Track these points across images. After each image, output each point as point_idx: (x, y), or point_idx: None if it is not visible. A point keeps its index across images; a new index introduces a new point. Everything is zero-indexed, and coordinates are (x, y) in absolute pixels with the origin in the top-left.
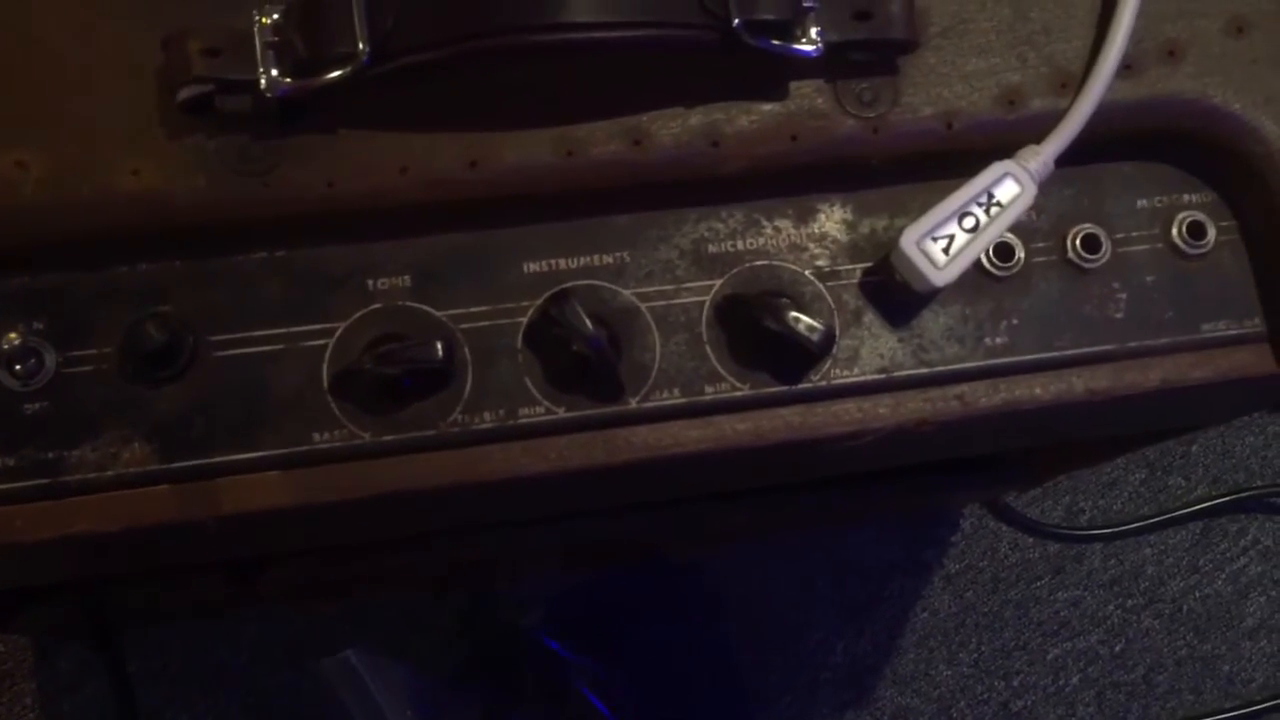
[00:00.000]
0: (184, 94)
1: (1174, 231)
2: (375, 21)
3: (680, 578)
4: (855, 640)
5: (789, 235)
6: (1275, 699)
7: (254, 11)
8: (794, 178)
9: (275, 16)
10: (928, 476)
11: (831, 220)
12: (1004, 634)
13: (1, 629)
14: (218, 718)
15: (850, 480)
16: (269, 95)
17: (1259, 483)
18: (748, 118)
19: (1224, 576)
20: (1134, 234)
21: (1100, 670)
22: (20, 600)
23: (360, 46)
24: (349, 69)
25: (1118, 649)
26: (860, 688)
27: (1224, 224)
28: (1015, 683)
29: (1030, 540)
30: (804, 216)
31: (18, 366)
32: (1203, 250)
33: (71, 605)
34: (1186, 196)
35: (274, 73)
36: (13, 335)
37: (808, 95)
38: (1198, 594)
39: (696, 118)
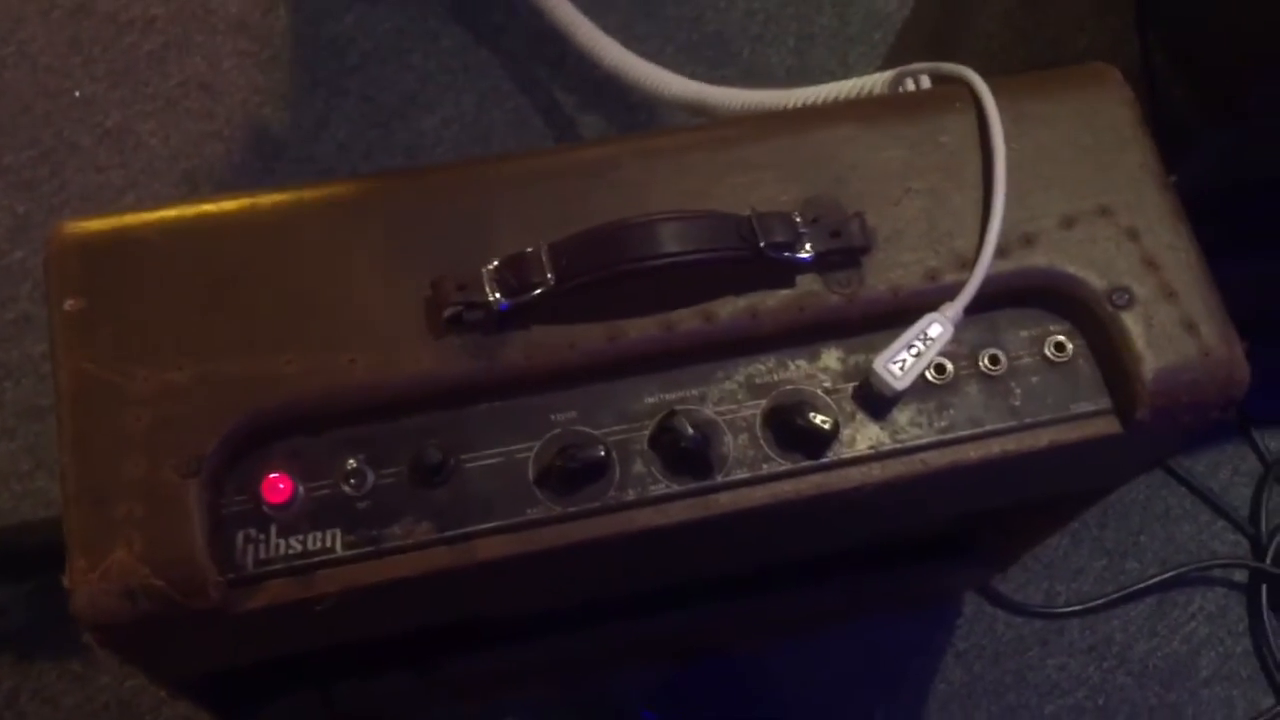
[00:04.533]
0: (447, 313)
1: (1046, 349)
2: (556, 263)
3: (746, 668)
4: (889, 708)
5: (805, 369)
6: None
7: (482, 264)
8: (804, 334)
9: (496, 263)
10: (924, 562)
11: (830, 358)
12: (1007, 696)
13: None
14: None
15: (862, 567)
16: (495, 309)
17: (1198, 561)
18: (773, 299)
19: (1179, 638)
20: (1021, 352)
21: None
22: (264, 695)
23: (548, 277)
24: (542, 290)
25: (1100, 702)
26: None
27: (1078, 342)
28: None
29: (1020, 619)
30: (813, 357)
31: (352, 480)
32: (1065, 359)
33: (311, 696)
34: (1052, 327)
35: (497, 295)
36: (351, 462)
37: (807, 284)
38: (1159, 654)
39: (743, 301)
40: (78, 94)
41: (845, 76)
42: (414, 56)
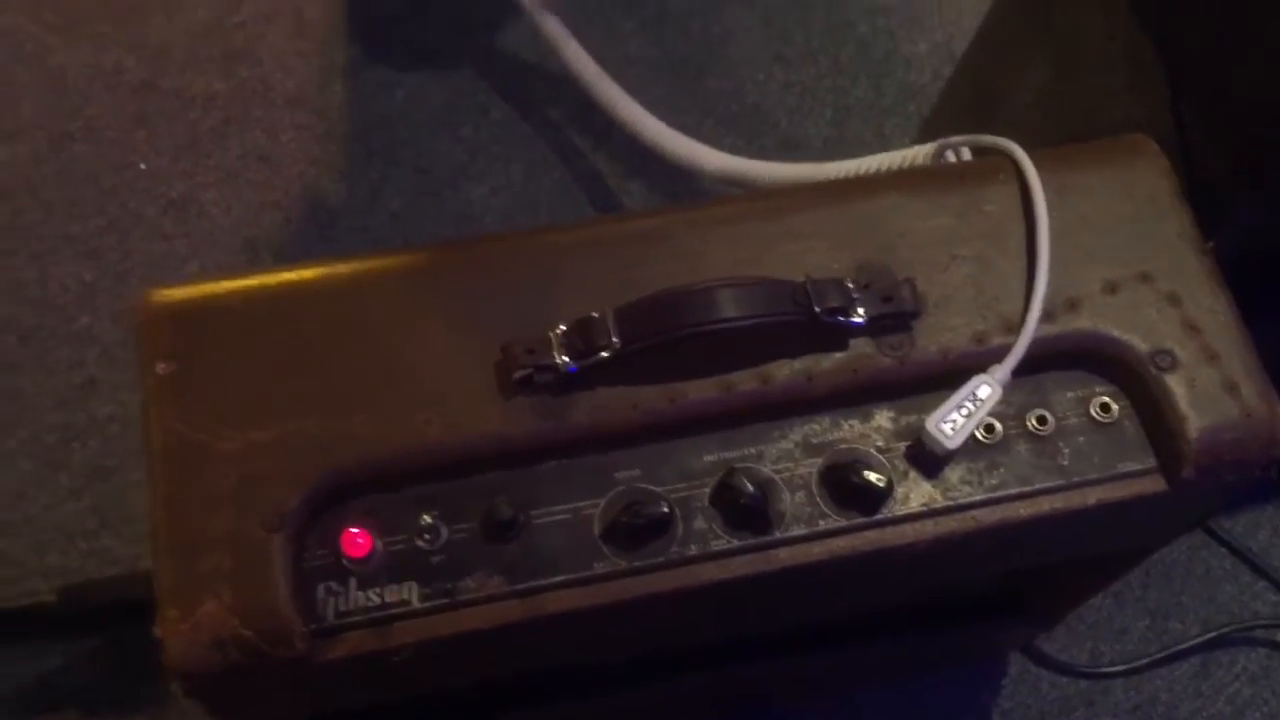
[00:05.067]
0: (517, 375)
1: (1092, 410)
2: (621, 327)
3: None
4: None
5: (859, 429)
6: None
7: (548, 329)
8: (858, 395)
9: (564, 328)
10: (970, 620)
11: (883, 418)
12: None
13: None
14: None
15: (909, 624)
16: (563, 372)
17: (1240, 621)
18: (827, 361)
19: (1223, 698)
20: (1068, 413)
21: None
22: None
23: (614, 340)
24: (608, 353)
25: None
26: None
27: (1122, 403)
28: None
29: (1065, 679)
30: (866, 417)
31: (426, 536)
32: (1111, 420)
33: None
34: (1097, 388)
35: (565, 359)
36: (425, 518)
37: (860, 346)
38: (1204, 714)
39: (798, 364)
40: (143, 166)
41: (881, 147)
42: (464, 129)
